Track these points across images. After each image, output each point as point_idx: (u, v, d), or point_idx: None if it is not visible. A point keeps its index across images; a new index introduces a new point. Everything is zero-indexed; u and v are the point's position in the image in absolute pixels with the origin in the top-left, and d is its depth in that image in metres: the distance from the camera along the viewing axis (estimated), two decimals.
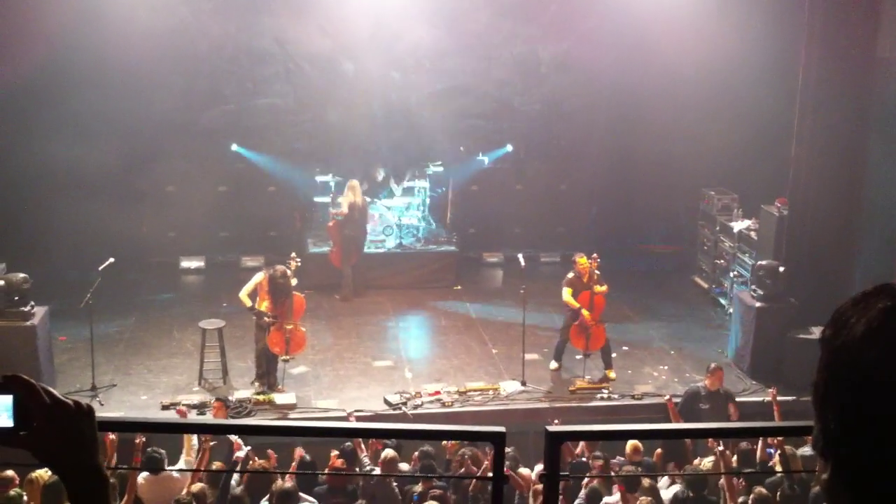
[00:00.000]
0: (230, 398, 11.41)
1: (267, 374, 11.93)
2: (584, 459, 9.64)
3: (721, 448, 8.73)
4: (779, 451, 9.22)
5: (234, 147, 16.41)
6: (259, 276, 11.99)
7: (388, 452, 9.19)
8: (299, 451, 9.40)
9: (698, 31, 15.40)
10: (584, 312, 12.15)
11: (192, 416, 10.88)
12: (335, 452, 9.25)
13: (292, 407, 11.46)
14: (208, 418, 10.63)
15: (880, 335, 1.17)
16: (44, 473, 8.53)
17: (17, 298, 11.51)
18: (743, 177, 15.81)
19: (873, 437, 1.16)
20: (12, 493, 8.35)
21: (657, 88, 16.33)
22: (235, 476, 9.00)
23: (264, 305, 11.82)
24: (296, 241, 16.02)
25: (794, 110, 12.89)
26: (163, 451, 9.08)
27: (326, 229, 15.09)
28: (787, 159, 13.14)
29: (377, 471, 9.05)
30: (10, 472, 8.43)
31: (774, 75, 14.58)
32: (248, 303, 11.88)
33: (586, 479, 8.97)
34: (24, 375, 1.68)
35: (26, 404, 1.66)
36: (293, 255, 12.63)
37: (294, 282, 11.99)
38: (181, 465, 9.36)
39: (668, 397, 11.06)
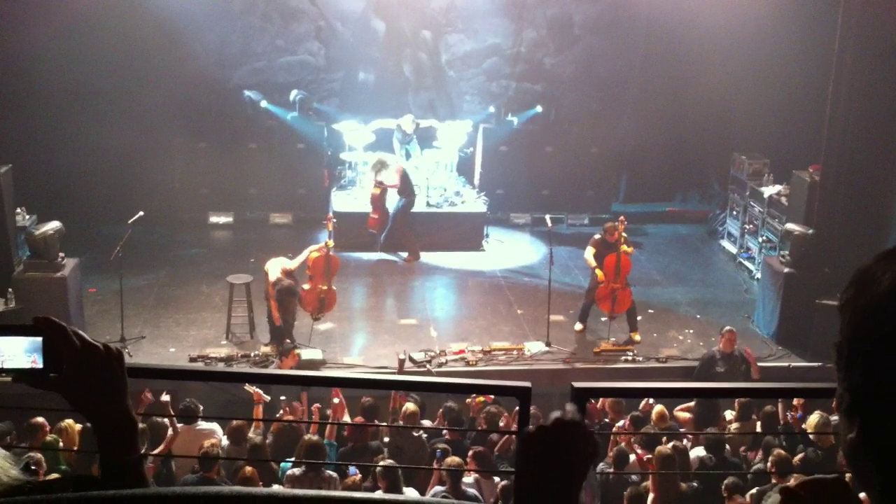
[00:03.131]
0: (256, 353, 11.55)
1: (280, 336, 11.89)
2: (607, 421, 9.69)
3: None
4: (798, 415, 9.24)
5: (264, 104, 16.43)
6: (306, 254, 12.14)
7: (410, 406, 9.26)
8: (316, 407, 9.53)
9: None
10: (598, 272, 12.15)
11: (220, 367, 10.99)
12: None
13: (322, 363, 11.57)
14: (237, 369, 10.72)
15: None
16: (74, 423, 8.69)
17: (47, 249, 11.63)
18: (775, 142, 15.62)
19: None
20: (48, 438, 8.51)
21: (689, 52, 16.14)
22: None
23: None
24: (324, 198, 16.08)
25: (829, 74, 12.69)
26: (198, 404, 9.19)
27: (372, 197, 14.97)
28: (820, 125, 12.96)
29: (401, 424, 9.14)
30: (40, 419, 8.58)
31: (810, 38, 14.33)
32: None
33: (610, 443, 9.03)
34: (54, 318, 1.69)
35: (56, 346, 1.68)
36: (330, 215, 12.76)
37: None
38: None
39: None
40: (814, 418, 8.94)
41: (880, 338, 1.16)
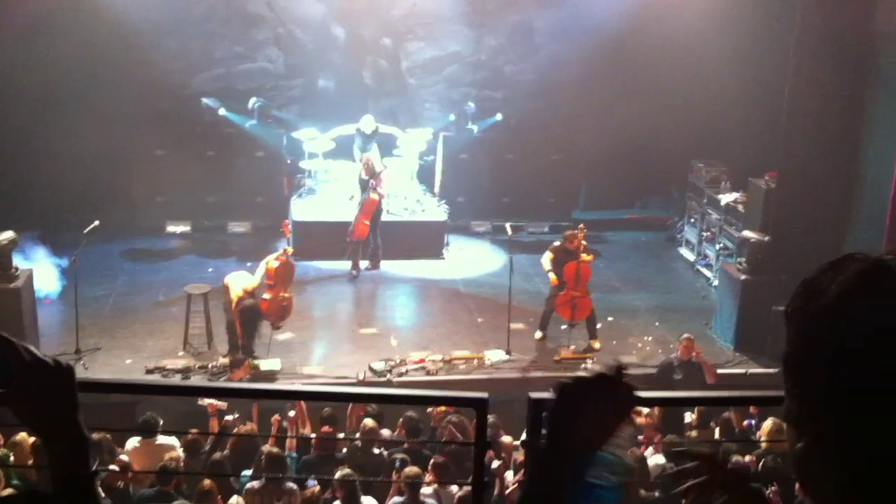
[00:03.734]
0: (213, 363, 11.45)
1: (241, 346, 11.73)
2: None
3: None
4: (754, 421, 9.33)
5: (222, 111, 16.28)
6: (264, 267, 12.02)
7: (368, 422, 9.20)
8: (276, 418, 9.42)
9: (692, 3, 15.34)
10: (552, 276, 12.22)
11: (176, 380, 10.88)
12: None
13: (276, 374, 11.48)
14: (194, 381, 10.62)
15: (856, 295, 1.16)
16: (27, 437, 8.55)
17: (1, 259, 11.44)
18: (732, 150, 15.81)
19: (855, 401, 1.15)
20: None
21: (649, 60, 16.28)
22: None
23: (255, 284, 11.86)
24: (283, 207, 15.99)
25: (785, 82, 12.86)
26: (158, 417, 9.06)
27: (371, 203, 14.57)
28: (777, 133, 13.13)
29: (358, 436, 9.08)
30: None
31: (766, 46, 14.53)
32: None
33: None
34: (3, 333, 1.67)
35: (6, 362, 1.66)
36: (286, 222, 12.75)
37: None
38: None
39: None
40: (767, 424, 9.03)
41: (828, 351, 1.17)
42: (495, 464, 8.54)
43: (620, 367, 1.67)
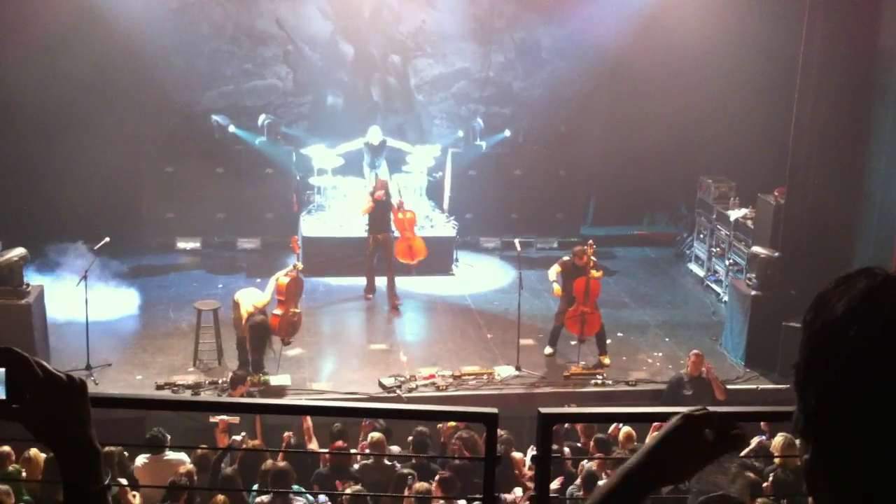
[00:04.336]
0: (223, 379, 11.46)
1: (252, 362, 11.76)
2: (578, 445, 9.68)
3: None
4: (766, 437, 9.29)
5: (232, 128, 16.36)
6: (273, 283, 12.04)
7: (375, 435, 9.21)
8: (287, 435, 9.42)
9: (699, 19, 15.37)
10: (556, 287, 12.23)
11: (186, 395, 10.91)
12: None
13: (286, 389, 11.49)
14: (205, 397, 10.63)
15: (859, 313, 1.18)
16: (39, 453, 8.56)
17: (12, 276, 11.49)
18: (741, 165, 15.80)
19: (853, 414, 1.17)
20: (11, 468, 8.38)
21: (657, 76, 16.31)
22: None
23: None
24: (292, 223, 16.03)
25: (793, 99, 12.86)
26: (165, 433, 9.07)
27: (407, 222, 14.71)
28: (785, 148, 13.13)
29: (368, 451, 9.08)
30: (6, 448, 8.45)
31: (774, 62, 14.55)
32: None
33: (584, 463, 9.02)
34: (16, 348, 1.68)
35: (19, 377, 1.66)
36: (295, 237, 12.78)
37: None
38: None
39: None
40: (778, 440, 9.01)
41: (830, 364, 1.20)
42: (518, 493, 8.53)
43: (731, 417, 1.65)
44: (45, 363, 1.70)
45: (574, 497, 8.43)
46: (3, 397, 1.67)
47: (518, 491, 8.63)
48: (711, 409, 1.62)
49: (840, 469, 1.19)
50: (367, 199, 14.20)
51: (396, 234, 14.53)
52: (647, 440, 1.67)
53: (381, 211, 14.11)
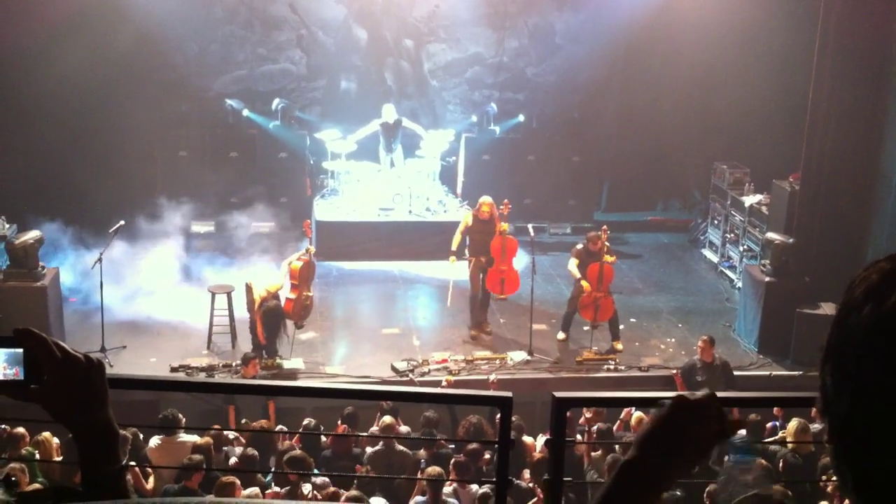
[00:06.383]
0: (237, 362, 11.51)
1: (265, 346, 11.79)
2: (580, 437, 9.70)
3: None
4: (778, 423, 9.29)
5: (246, 112, 16.38)
6: (286, 267, 12.04)
7: (386, 419, 9.24)
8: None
9: (713, 5, 15.29)
10: (584, 283, 12.16)
11: (201, 377, 10.95)
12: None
13: (299, 373, 11.53)
14: (220, 378, 10.68)
15: (875, 294, 1.18)
16: (51, 436, 8.62)
17: (27, 258, 11.55)
18: (756, 151, 15.73)
19: (863, 393, 1.17)
20: (24, 451, 8.44)
21: (671, 61, 16.25)
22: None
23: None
24: (306, 207, 16.05)
25: (808, 83, 12.79)
26: (179, 414, 9.11)
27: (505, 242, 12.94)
28: (800, 134, 13.06)
29: (380, 435, 9.12)
30: (21, 430, 8.51)
31: (789, 48, 14.47)
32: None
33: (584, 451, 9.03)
34: (34, 330, 1.69)
35: (37, 358, 1.67)
36: (308, 221, 12.83)
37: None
38: None
39: (675, 371, 11.15)
40: (792, 425, 9.00)
41: (845, 345, 1.20)
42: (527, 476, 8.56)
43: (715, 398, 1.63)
44: (63, 343, 1.70)
45: (595, 482, 8.44)
46: (23, 378, 1.68)
47: (527, 474, 8.66)
48: (698, 393, 1.61)
49: (853, 448, 1.19)
50: (468, 216, 13.14)
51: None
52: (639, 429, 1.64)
53: (484, 231, 12.84)
